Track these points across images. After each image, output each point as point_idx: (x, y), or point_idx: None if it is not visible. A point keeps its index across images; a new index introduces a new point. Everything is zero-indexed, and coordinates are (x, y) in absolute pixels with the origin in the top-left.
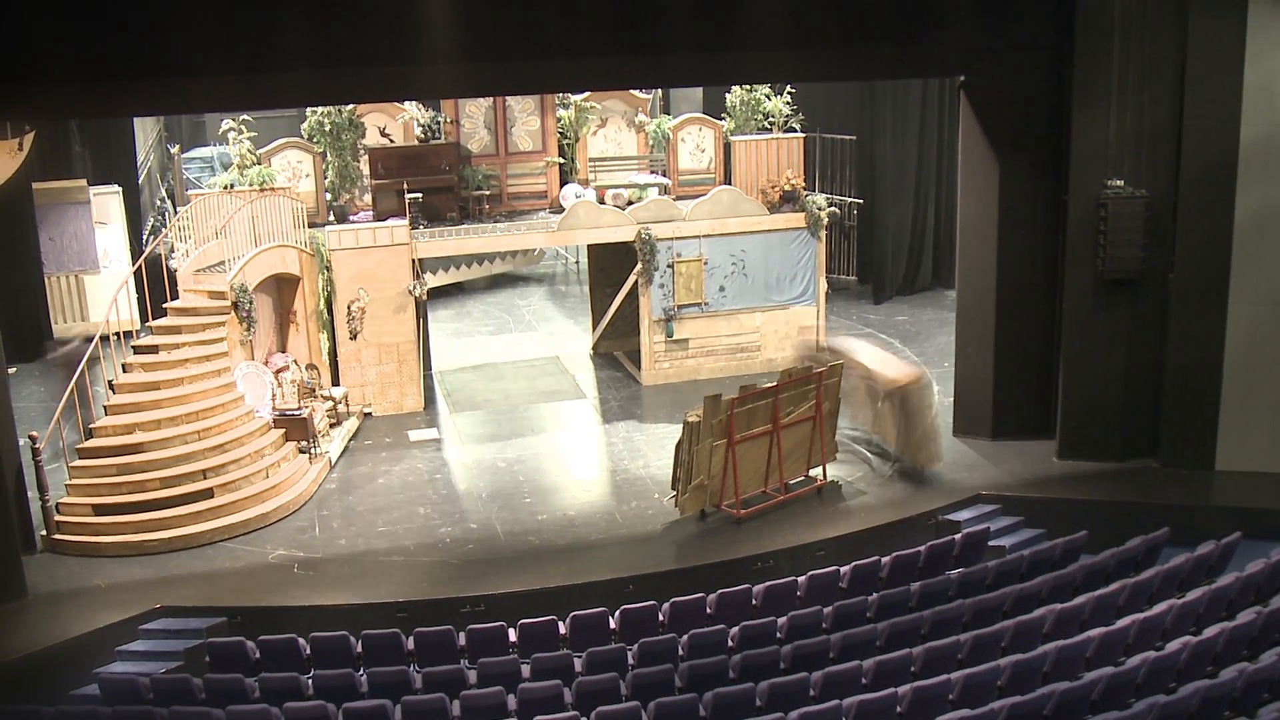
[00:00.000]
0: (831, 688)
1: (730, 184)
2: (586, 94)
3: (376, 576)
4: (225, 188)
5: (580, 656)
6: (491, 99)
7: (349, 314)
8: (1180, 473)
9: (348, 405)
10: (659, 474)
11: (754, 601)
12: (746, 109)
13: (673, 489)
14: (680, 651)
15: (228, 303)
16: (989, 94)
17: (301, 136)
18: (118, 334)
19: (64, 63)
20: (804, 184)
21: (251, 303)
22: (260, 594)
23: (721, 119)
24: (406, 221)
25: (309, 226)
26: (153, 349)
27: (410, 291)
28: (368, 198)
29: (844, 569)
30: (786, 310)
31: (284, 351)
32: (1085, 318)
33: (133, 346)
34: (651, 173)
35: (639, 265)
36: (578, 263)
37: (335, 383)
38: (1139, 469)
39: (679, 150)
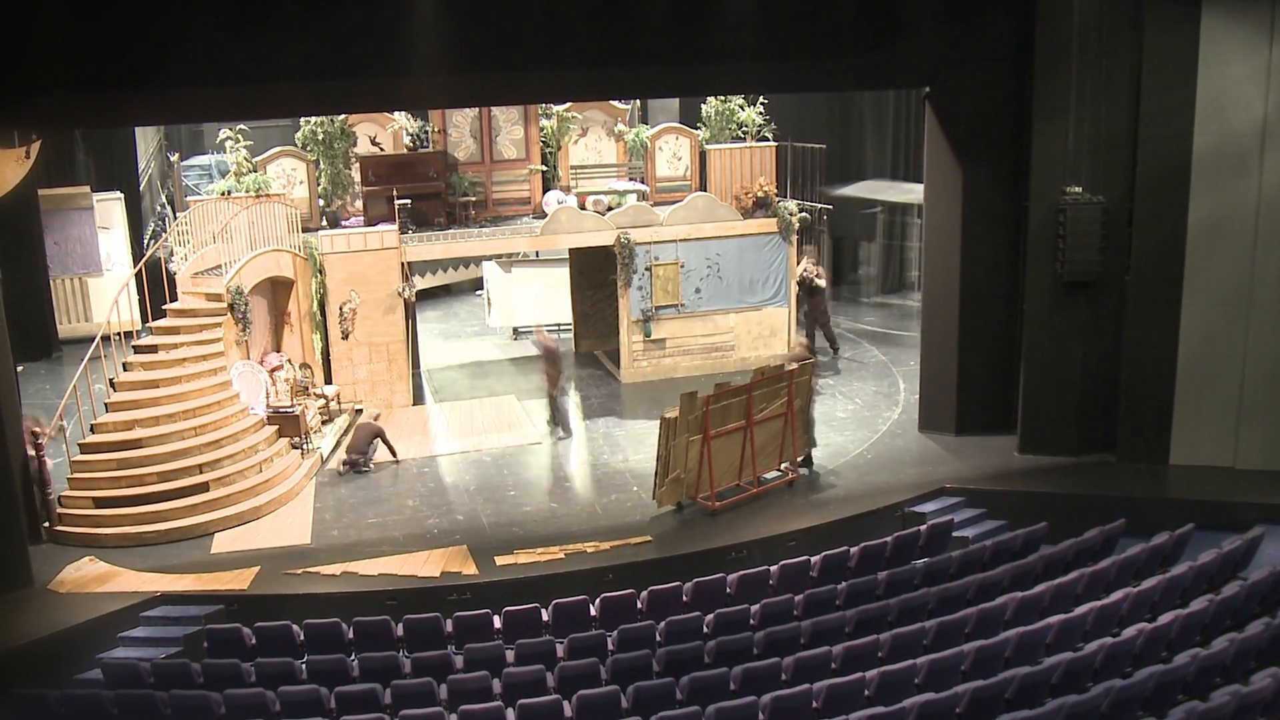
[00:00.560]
0: (802, 672)
1: (706, 190)
2: (568, 104)
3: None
4: (222, 194)
5: (562, 642)
6: (477, 109)
7: (341, 315)
8: (1136, 466)
9: (339, 403)
10: (638, 468)
11: (728, 590)
12: (721, 119)
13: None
14: (658, 638)
15: (224, 304)
16: (952, 105)
17: (295, 145)
18: (119, 334)
19: (69, 75)
20: (776, 190)
21: (247, 304)
22: (256, 583)
23: (697, 128)
24: (396, 226)
25: (302, 231)
26: (152, 349)
27: (400, 293)
28: (359, 204)
29: (814, 559)
30: (759, 311)
31: (278, 351)
32: (1045, 318)
33: (133, 346)
34: (630, 180)
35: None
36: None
37: (328, 381)
38: (1097, 463)
39: (656, 158)
